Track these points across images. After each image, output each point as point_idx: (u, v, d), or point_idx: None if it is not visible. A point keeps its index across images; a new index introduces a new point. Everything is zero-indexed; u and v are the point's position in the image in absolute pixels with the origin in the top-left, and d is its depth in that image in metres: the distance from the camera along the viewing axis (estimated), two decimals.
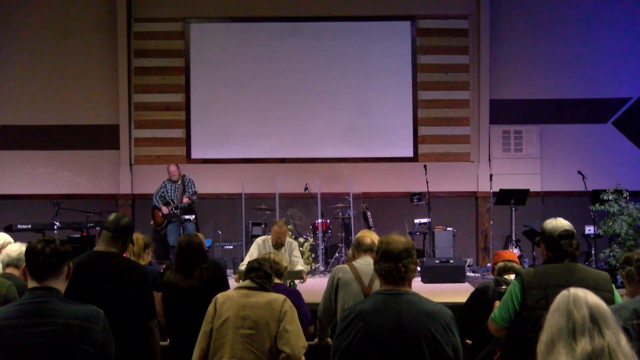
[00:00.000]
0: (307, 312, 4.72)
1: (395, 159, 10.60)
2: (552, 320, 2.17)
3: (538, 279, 3.31)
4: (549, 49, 10.48)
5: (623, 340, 2.13)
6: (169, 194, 9.65)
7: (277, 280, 4.61)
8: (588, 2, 10.55)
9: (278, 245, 7.01)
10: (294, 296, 4.53)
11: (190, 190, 9.55)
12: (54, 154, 10.61)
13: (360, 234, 4.80)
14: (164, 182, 9.76)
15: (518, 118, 10.58)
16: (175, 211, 9.43)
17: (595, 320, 2.12)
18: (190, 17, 10.67)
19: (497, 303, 3.95)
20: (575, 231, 3.45)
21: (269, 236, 7.14)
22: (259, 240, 7.23)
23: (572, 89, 10.51)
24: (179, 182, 9.65)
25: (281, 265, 4.72)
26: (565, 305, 2.16)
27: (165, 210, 9.50)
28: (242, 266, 6.85)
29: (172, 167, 9.74)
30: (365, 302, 2.81)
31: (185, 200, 9.46)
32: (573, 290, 2.20)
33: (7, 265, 3.75)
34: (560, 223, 3.43)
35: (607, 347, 2.09)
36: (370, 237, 4.64)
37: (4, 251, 4.18)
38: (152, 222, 9.76)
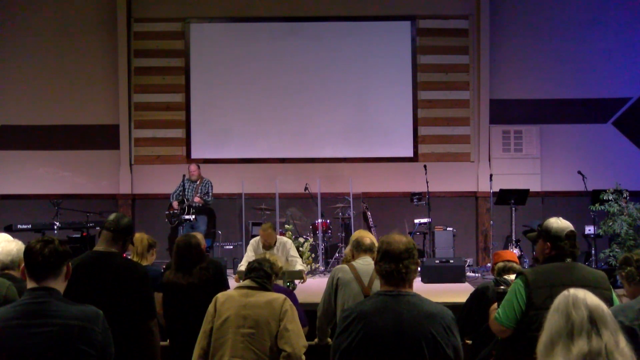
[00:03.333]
0: (300, 315, 4.70)
1: (395, 159, 10.60)
2: (552, 321, 2.18)
3: (543, 278, 3.32)
4: (549, 49, 10.48)
5: (622, 342, 2.13)
6: (185, 193, 9.62)
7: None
8: (588, 2, 10.54)
9: (267, 247, 7.03)
10: (288, 297, 4.52)
11: (203, 190, 9.54)
12: (54, 154, 10.62)
13: (357, 233, 4.79)
14: (183, 180, 9.73)
15: (518, 118, 10.58)
16: (175, 211, 9.42)
17: (593, 322, 2.12)
18: (190, 17, 10.66)
19: (495, 305, 3.95)
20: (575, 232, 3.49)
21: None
22: (252, 241, 7.29)
23: (572, 89, 10.51)
24: (198, 182, 9.66)
25: (276, 265, 4.72)
26: (565, 306, 2.17)
27: (175, 204, 9.48)
28: (241, 267, 6.88)
29: (193, 167, 9.74)
30: (365, 302, 2.80)
31: (197, 199, 9.45)
32: (573, 290, 2.21)
33: (1, 268, 3.68)
34: (564, 223, 3.48)
35: (604, 348, 2.09)
36: (369, 237, 4.64)
37: None
38: (166, 221, 9.73)
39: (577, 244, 3.45)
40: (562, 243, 3.40)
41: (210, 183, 9.76)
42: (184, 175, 9.61)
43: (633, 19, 10.53)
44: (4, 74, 10.62)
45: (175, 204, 9.50)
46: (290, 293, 4.81)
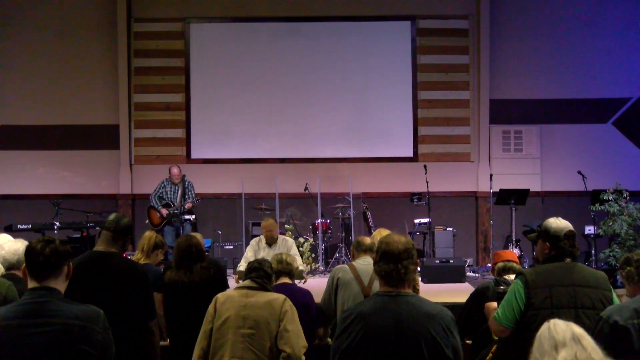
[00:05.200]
0: (318, 313, 4.67)
1: (395, 159, 10.60)
2: (536, 345, 2.27)
3: (542, 279, 3.33)
4: (549, 49, 10.48)
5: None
6: (169, 196, 9.60)
7: (288, 281, 4.61)
8: (588, 2, 10.55)
9: (270, 241, 7.03)
10: (306, 296, 4.51)
11: (192, 196, 9.54)
12: (54, 154, 10.62)
13: (378, 233, 4.82)
14: (163, 182, 9.69)
15: (518, 118, 10.58)
16: (176, 211, 9.42)
17: (576, 338, 2.21)
18: (190, 17, 10.66)
19: (493, 304, 3.95)
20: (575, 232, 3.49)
21: (262, 236, 7.17)
22: (252, 241, 7.29)
23: (572, 89, 10.51)
24: (179, 185, 9.61)
25: (293, 265, 4.72)
26: (547, 331, 2.26)
27: (164, 212, 9.46)
28: (241, 267, 6.88)
29: (175, 170, 9.63)
30: (364, 303, 2.80)
31: (188, 205, 9.42)
32: (553, 320, 2.31)
33: (8, 268, 3.70)
34: (563, 223, 3.48)
35: (590, 357, 2.17)
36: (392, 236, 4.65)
37: (1, 253, 4.11)
38: (147, 222, 9.66)
39: (576, 244, 3.45)
40: (562, 243, 3.41)
41: (192, 184, 9.74)
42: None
43: (633, 19, 10.52)
44: (4, 74, 10.61)
45: (164, 211, 9.45)
46: (308, 294, 4.77)
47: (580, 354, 2.16)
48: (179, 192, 9.54)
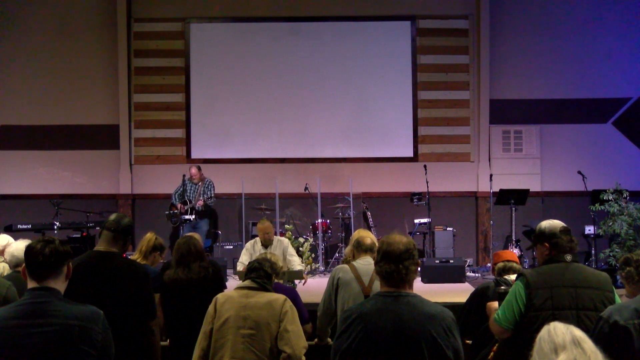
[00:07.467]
0: (303, 311, 4.71)
1: (395, 159, 10.60)
2: (536, 348, 2.26)
3: (543, 279, 3.32)
4: (549, 49, 10.48)
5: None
6: (188, 194, 9.61)
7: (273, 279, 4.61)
8: (588, 2, 10.55)
9: (267, 243, 6.98)
10: (291, 295, 4.53)
11: (208, 194, 9.56)
12: (54, 154, 10.62)
13: (357, 233, 4.79)
14: (185, 181, 9.71)
15: (518, 118, 10.58)
16: (176, 211, 9.42)
17: (576, 342, 2.20)
18: (190, 17, 10.67)
19: (495, 304, 3.95)
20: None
21: (257, 238, 7.12)
22: (247, 244, 7.21)
23: (572, 89, 10.51)
24: (200, 184, 9.64)
25: (277, 265, 4.73)
26: (547, 334, 2.26)
27: (179, 206, 9.48)
28: (240, 266, 6.84)
29: (194, 170, 9.69)
30: (365, 303, 2.79)
31: (200, 203, 9.44)
32: (554, 323, 2.30)
33: (15, 265, 3.73)
34: (555, 222, 3.51)
35: (589, 358, 2.17)
36: (370, 236, 4.65)
37: (9, 251, 4.19)
38: (167, 221, 9.67)
39: (573, 239, 3.45)
40: (558, 238, 3.41)
41: (212, 184, 9.75)
42: (184, 176, 9.60)
43: (633, 19, 10.53)
44: (4, 74, 10.62)
45: (180, 205, 9.49)
46: (292, 291, 4.81)
47: (580, 357, 2.15)
48: (199, 191, 9.57)
